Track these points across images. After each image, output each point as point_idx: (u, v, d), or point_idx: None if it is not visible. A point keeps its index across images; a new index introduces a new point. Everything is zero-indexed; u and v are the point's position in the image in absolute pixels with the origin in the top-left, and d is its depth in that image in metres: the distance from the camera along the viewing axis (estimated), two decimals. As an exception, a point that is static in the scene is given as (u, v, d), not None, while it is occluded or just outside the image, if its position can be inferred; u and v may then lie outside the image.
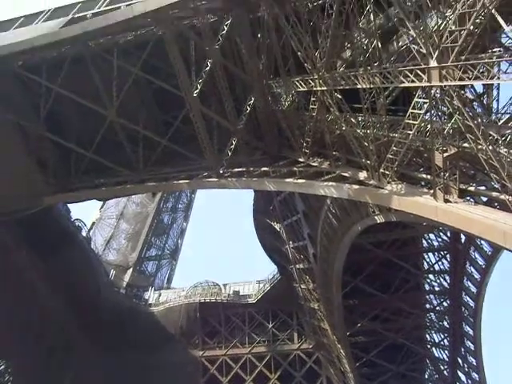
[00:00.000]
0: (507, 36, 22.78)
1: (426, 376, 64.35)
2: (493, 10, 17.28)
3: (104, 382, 63.79)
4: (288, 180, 30.05)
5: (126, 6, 35.11)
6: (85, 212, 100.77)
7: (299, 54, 26.98)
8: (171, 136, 37.56)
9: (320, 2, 26.35)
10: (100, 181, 39.31)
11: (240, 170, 33.19)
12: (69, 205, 53.88)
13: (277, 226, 54.72)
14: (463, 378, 55.01)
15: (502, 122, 20.80)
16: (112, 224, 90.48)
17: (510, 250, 17.51)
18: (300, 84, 28.33)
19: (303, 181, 29.32)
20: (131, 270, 79.67)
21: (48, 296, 52.29)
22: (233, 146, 33.13)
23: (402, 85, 20.34)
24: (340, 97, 25.24)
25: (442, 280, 52.52)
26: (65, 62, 35.77)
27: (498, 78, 15.97)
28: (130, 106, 36.69)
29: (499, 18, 18.70)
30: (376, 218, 32.30)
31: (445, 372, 58.59)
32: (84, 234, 62.45)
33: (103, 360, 62.86)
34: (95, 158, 38.26)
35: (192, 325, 69.53)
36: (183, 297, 71.36)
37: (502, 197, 17.18)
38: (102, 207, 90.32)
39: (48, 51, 35.61)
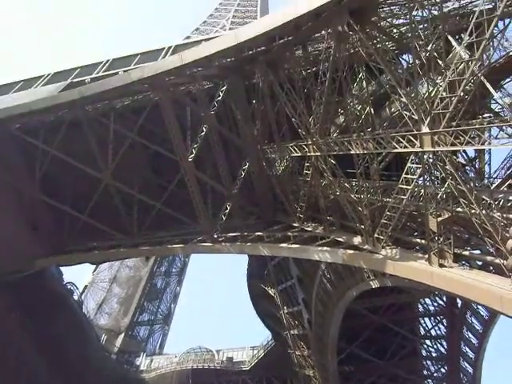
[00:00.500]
0: (496, 102, 23.31)
1: None
2: (482, 78, 17.72)
3: None
4: (282, 245, 29.92)
5: (124, 71, 35.86)
6: (78, 274, 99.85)
7: (293, 120, 27.36)
8: (166, 200, 37.67)
9: (314, 69, 26.94)
10: (93, 244, 39.09)
11: (234, 234, 33.09)
12: (61, 267, 53.30)
13: (271, 291, 54.17)
14: None
15: (494, 186, 20.99)
16: (105, 288, 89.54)
17: (507, 315, 17.29)
18: (294, 149, 28.58)
19: (297, 246, 29.19)
20: (123, 334, 78.31)
21: (36, 359, 51.12)
22: (227, 211, 33.18)
23: (395, 150, 20.57)
24: (334, 162, 25.48)
25: (438, 345, 51.94)
26: (62, 125, 36.14)
27: (489, 143, 16.18)
28: (125, 170, 36.82)
29: (488, 85, 19.15)
30: (371, 283, 32.16)
31: None
32: (76, 297, 61.54)
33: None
34: (89, 221, 38.20)
35: (184, 393, 67.82)
36: (175, 363, 69.81)
37: (497, 261, 17.10)
38: (94, 270, 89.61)
39: (46, 115, 36.06)
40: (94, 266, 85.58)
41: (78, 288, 62.84)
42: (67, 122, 35.99)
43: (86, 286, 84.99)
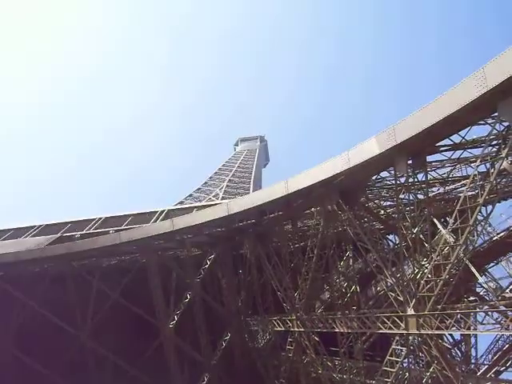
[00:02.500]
0: (481, 286, 23.50)
1: None
2: (467, 262, 17.98)
3: None
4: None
5: (115, 231, 36.14)
6: None
7: (278, 293, 27.24)
8: (142, 365, 36.16)
9: (301, 244, 27.33)
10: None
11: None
12: None
13: None
14: None
15: (480, 372, 20.50)
16: None
17: None
18: (277, 323, 28.18)
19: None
20: None
21: None
22: (204, 383, 31.95)
23: (380, 331, 20.30)
24: (317, 339, 25.02)
25: None
26: (46, 278, 35.58)
27: (475, 328, 16.05)
28: (103, 329, 35.74)
29: (473, 269, 19.39)
30: None
31: None
32: None
33: None
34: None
35: None
36: None
37: None
38: None
39: (31, 266, 35.62)
40: None
41: None
42: (51, 275, 35.60)
43: None
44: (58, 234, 40.26)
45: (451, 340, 23.68)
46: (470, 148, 18.38)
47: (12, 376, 37.27)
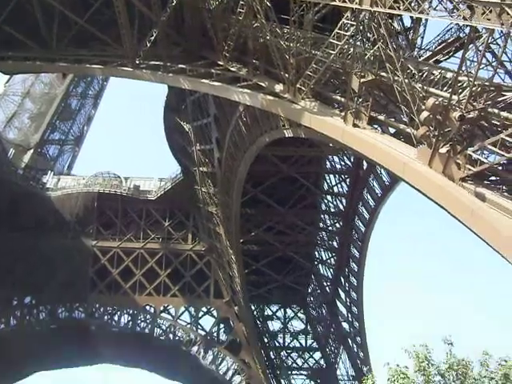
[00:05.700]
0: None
1: (309, 290, 67.98)
2: None
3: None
4: (204, 81, 29.73)
5: None
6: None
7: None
8: (90, 17, 35.55)
9: None
10: (8, 53, 36.87)
11: (157, 63, 32.38)
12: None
13: (186, 127, 53.90)
14: (343, 295, 58.39)
15: (422, 58, 21.21)
16: (16, 101, 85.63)
17: (406, 182, 18.20)
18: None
19: (219, 84, 29.10)
20: (32, 151, 76.77)
21: None
22: (153, 38, 32.04)
23: (333, 3, 20.23)
24: (269, 5, 24.72)
25: (338, 202, 54.30)
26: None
27: (428, 13, 16.01)
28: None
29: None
30: (285, 131, 32.37)
31: (327, 288, 62.19)
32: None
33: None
34: (5, 28, 35.64)
35: (88, 214, 68.42)
36: (82, 185, 69.76)
37: (408, 130, 17.70)
38: (7, 82, 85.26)
39: None
40: (7, 78, 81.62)
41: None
42: None
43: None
44: None
45: (401, 27, 23.53)
46: None
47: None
